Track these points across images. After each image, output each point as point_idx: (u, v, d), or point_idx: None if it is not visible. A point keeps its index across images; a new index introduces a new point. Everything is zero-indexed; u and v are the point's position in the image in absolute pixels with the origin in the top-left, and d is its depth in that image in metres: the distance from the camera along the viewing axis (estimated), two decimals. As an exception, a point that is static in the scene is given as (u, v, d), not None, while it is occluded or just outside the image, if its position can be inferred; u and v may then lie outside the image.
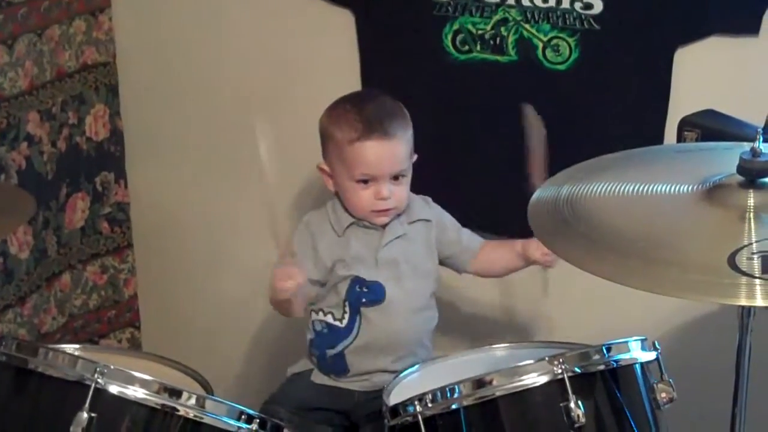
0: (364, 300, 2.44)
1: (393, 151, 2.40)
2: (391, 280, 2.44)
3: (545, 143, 2.35)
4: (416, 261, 2.48)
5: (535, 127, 2.36)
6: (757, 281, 1.75)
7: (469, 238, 2.56)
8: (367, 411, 2.43)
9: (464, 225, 2.66)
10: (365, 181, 2.41)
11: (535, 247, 2.43)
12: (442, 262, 2.54)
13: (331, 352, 2.47)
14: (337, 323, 2.46)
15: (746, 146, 1.94)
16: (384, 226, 2.46)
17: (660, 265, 1.83)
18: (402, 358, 2.45)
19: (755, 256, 1.78)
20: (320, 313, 2.48)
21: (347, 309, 2.45)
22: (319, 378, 2.50)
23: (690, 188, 1.96)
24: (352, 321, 2.45)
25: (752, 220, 1.87)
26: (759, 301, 1.74)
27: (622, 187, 2.00)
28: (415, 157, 2.49)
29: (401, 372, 2.27)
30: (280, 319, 2.91)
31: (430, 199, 2.55)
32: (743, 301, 1.76)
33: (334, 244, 2.46)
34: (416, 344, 2.48)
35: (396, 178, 2.42)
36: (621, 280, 1.84)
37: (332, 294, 2.46)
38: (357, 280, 2.44)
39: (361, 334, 2.45)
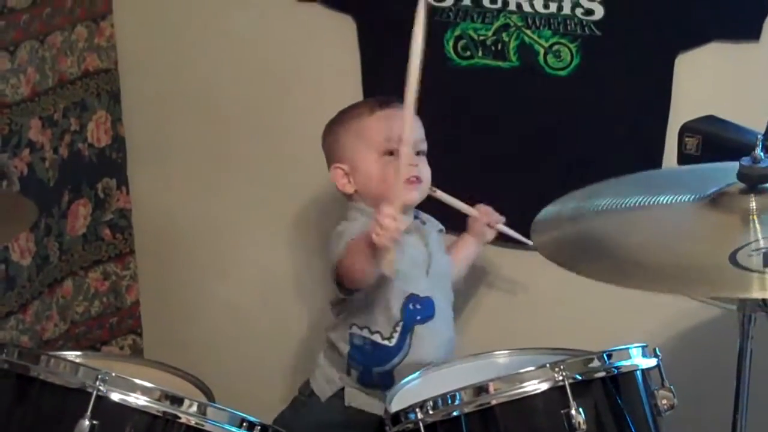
0: (418, 317, 2.40)
1: (410, 117, 2.26)
2: (439, 293, 2.43)
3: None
4: (442, 268, 2.47)
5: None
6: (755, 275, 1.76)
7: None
8: None
9: (464, 230, 2.67)
10: (390, 153, 2.35)
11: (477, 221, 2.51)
12: None
13: (378, 369, 2.40)
14: (386, 342, 2.39)
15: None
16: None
17: (660, 266, 1.84)
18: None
19: (755, 253, 1.79)
20: (365, 330, 2.40)
21: (398, 328, 2.39)
22: (354, 399, 2.42)
23: (692, 197, 1.97)
24: (402, 340, 2.39)
25: (756, 222, 1.88)
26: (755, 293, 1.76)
27: (624, 201, 2.01)
28: None
29: (402, 379, 2.26)
30: (283, 326, 2.92)
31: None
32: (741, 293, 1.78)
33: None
34: (450, 353, 2.45)
35: (417, 154, 2.39)
36: (619, 282, 1.84)
37: (382, 312, 2.38)
38: (412, 298, 2.39)
39: (411, 352, 2.39)
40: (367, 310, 2.39)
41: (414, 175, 2.36)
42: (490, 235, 2.58)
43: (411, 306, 2.39)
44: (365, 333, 2.40)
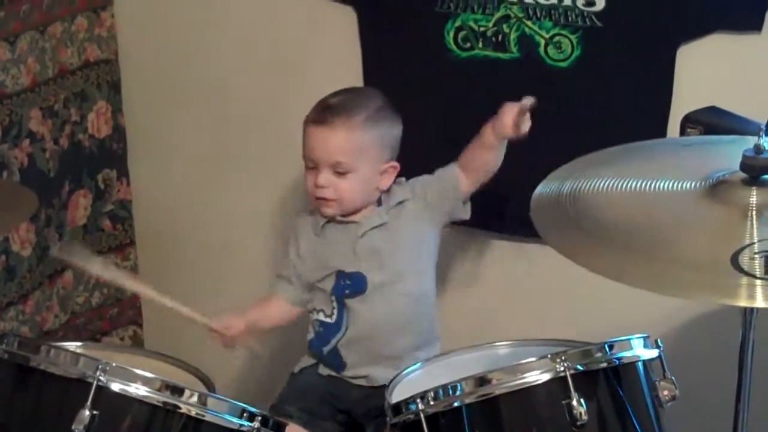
0: (347, 291, 2.46)
1: (328, 140, 2.41)
2: (373, 270, 2.45)
3: None
4: (404, 244, 2.47)
5: None
6: (759, 282, 1.75)
7: (443, 174, 2.51)
8: (367, 408, 2.44)
9: (466, 222, 2.66)
10: (311, 167, 2.44)
11: (503, 122, 2.41)
12: (451, 219, 2.53)
13: (326, 348, 2.50)
14: (329, 319, 2.49)
15: (750, 140, 1.94)
16: (352, 215, 2.45)
17: (662, 263, 1.83)
18: (396, 345, 2.46)
19: (757, 256, 1.78)
20: (314, 313, 2.51)
21: (335, 304, 2.47)
22: (325, 370, 2.52)
23: (693, 184, 1.96)
24: (340, 315, 2.47)
25: (755, 218, 1.87)
26: (759, 302, 1.74)
27: (625, 183, 2.00)
28: (393, 165, 2.46)
29: (404, 369, 2.26)
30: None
31: (402, 179, 2.51)
32: (743, 302, 1.76)
33: (313, 244, 2.50)
34: (410, 330, 2.47)
35: (339, 171, 2.42)
36: (624, 280, 1.84)
37: (320, 292, 2.49)
38: (340, 274, 2.46)
39: (350, 327, 2.47)
40: (313, 292, 2.51)
41: (318, 196, 2.44)
42: (524, 125, 2.43)
43: (341, 282, 2.46)
44: (315, 314, 2.51)
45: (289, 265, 2.54)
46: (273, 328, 2.59)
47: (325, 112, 2.44)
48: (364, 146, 2.43)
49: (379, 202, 2.49)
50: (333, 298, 2.48)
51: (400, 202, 2.49)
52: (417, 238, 2.50)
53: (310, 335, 2.53)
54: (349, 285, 2.46)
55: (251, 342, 2.52)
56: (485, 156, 2.48)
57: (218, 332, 2.48)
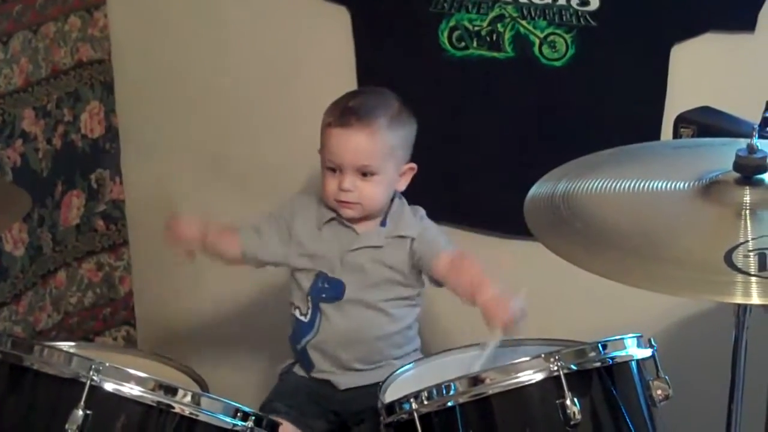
0: (323, 295, 2.44)
1: (355, 142, 2.38)
2: (353, 284, 2.43)
3: None
4: (387, 272, 2.44)
5: None
6: (753, 279, 1.75)
7: (433, 244, 2.42)
8: (355, 410, 2.42)
9: (461, 222, 2.66)
10: (333, 170, 2.41)
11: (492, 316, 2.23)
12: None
13: (297, 347, 2.49)
14: (302, 318, 2.47)
15: (742, 142, 1.94)
16: (355, 223, 2.43)
17: (656, 262, 1.84)
18: (366, 358, 2.44)
19: (752, 254, 1.79)
20: (292, 308, 2.50)
21: (310, 304, 2.46)
22: (299, 370, 2.51)
23: (686, 185, 1.97)
24: (313, 316, 2.46)
25: (748, 217, 1.87)
26: (755, 299, 1.74)
27: (619, 184, 2.01)
28: (411, 167, 2.46)
29: (397, 369, 2.26)
30: (276, 317, 2.90)
31: (422, 213, 2.48)
32: (739, 299, 1.77)
33: (309, 234, 2.46)
34: (381, 346, 2.45)
35: (364, 174, 2.40)
36: (617, 278, 1.84)
37: (298, 288, 2.47)
38: (320, 276, 2.45)
39: (321, 330, 2.45)
40: (292, 287, 2.49)
41: (341, 200, 2.41)
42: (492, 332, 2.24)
43: (319, 284, 2.45)
44: (293, 309, 2.49)
45: (270, 225, 2.48)
46: (212, 258, 2.53)
47: (348, 114, 2.39)
48: (391, 147, 2.41)
49: (383, 222, 2.45)
50: (309, 298, 2.46)
51: (404, 237, 2.44)
52: (405, 273, 2.45)
53: (290, 330, 2.53)
54: (327, 289, 2.44)
55: (189, 254, 2.50)
56: (459, 291, 2.36)
57: (172, 226, 2.47)
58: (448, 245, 2.43)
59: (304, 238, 2.47)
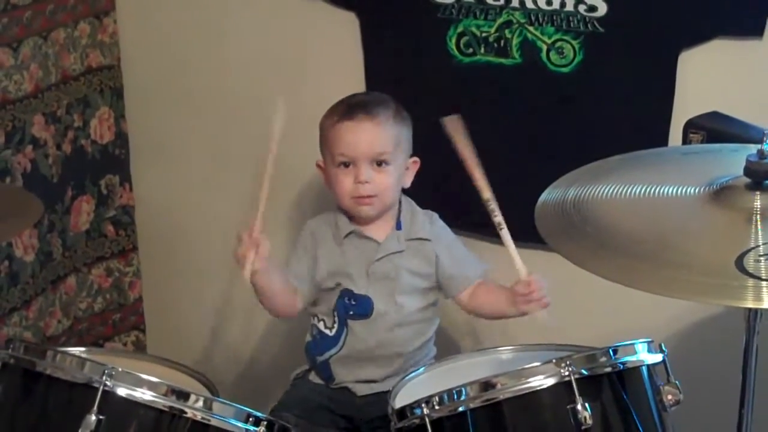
0: (351, 312, 2.45)
1: (371, 131, 2.42)
2: (381, 295, 2.44)
3: (472, 151, 2.30)
4: (411, 278, 2.46)
5: (459, 140, 2.30)
6: (764, 284, 1.76)
7: (465, 267, 2.48)
8: (369, 417, 2.43)
9: (468, 227, 2.66)
10: (346, 165, 2.42)
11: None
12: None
13: (319, 359, 2.49)
14: (327, 331, 2.48)
15: (752, 147, 1.95)
16: (373, 231, 2.45)
17: (667, 267, 1.84)
18: (388, 368, 2.46)
19: (763, 259, 1.79)
20: (315, 319, 2.50)
21: (336, 319, 2.47)
22: (315, 378, 2.52)
23: (697, 190, 1.97)
24: (339, 331, 2.47)
25: (759, 222, 1.88)
26: (766, 304, 1.75)
27: (629, 190, 2.02)
28: (415, 161, 2.49)
29: (407, 374, 2.27)
30: (285, 323, 2.92)
31: (435, 216, 2.53)
32: (750, 304, 1.77)
33: (331, 253, 2.47)
34: (404, 355, 2.46)
35: (379, 164, 2.42)
36: (628, 283, 1.85)
37: (324, 302, 2.48)
38: (346, 293, 2.45)
39: (346, 345, 2.46)
40: (318, 300, 2.49)
41: (360, 195, 2.42)
42: (528, 309, 2.32)
43: (346, 300, 2.45)
44: (315, 321, 2.50)
45: (306, 263, 2.46)
46: (266, 299, 2.44)
47: (355, 108, 2.44)
48: (399, 137, 2.45)
49: (398, 225, 2.48)
50: (335, 313, 2.47)
51: (424, 239, 2.48)
52: (427, 275, 2.48)
53: (308, 338, 2.53)
54: (354, 306, 2.45)
55: (252, 277, 2.34)
56: (494, 309, 2.45)
57: (242, 240, 2.32)
58: (477, 266, 2.49)
59: (328, 258, 2.47)
